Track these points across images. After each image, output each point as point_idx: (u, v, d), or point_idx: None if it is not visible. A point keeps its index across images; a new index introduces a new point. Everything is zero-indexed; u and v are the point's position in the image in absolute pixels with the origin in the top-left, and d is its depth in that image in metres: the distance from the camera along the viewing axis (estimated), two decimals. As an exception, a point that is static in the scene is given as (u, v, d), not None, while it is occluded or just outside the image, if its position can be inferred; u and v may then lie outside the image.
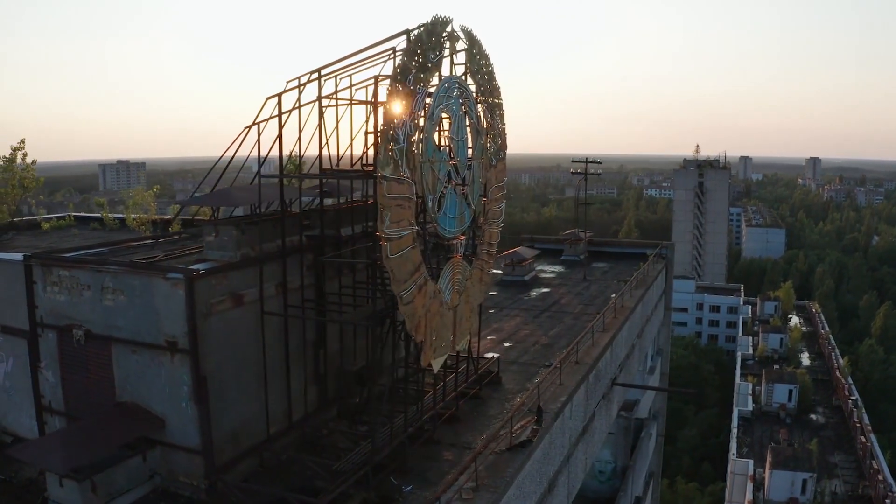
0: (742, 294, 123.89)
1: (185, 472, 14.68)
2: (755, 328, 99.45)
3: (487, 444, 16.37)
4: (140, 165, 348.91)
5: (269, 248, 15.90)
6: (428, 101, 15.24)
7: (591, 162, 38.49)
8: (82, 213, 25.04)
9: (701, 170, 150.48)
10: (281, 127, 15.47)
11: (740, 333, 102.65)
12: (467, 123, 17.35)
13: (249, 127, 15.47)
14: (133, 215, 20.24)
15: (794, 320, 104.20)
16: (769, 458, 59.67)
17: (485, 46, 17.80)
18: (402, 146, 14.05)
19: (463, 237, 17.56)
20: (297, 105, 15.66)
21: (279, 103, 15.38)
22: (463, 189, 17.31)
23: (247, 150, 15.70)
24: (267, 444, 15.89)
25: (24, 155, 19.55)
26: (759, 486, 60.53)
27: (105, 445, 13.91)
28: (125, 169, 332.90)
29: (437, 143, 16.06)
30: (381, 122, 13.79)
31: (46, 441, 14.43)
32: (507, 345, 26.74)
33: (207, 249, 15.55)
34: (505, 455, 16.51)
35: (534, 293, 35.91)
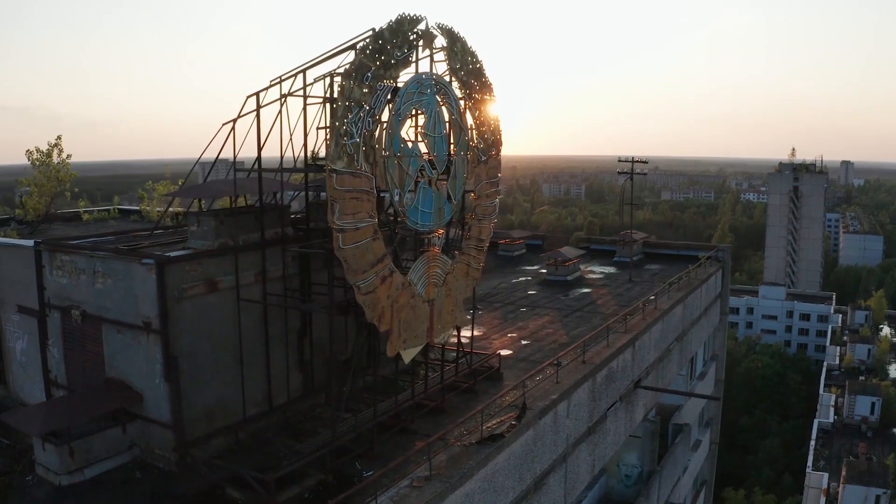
0: (833, 302, 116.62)
1: (159, 445, 15.40)
2: (844, 338, 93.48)
3: (444, 435, 16.27)
4: (239, 164, 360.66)
5: (248, 238, 16.40)
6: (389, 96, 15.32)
7: (638, 161, 37.26)
8: (126, 206, 26.65)
9: (796, 174, 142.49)
10: (259, 123, 15.94)
11: (828, 343, 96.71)
12: (447, 119, 17.29)
13: (233, 123, 16.06)
14: (158, 207, 21.29)
15: (885, 331, 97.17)
16: (843, 472, 56.24)
17: (469, 44, 17.70)
18: (356, 141, 14.19)
19: (442, 231, 17.51)
20: (281, 101, 16.05)
21: (258, 101, 15.84)
22: (443, 184, 17.27)
23: (242, 147, 16.36)
24: (243, 425, 16.40)
25: (60, 151, 21.11)
26: (832, 500, 57.14)
27: (82, 415, 14.80)
28: (224, 167, 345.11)
29: (407, 138, 16.10)
30: (331, 118, 13.98)
31: (31, 409, 15.54)
32: (524, 342, 26.37)
33: (191, 238, 16.25)
34: (473, 448, 16.34)
35: (573, 293, 35.18)
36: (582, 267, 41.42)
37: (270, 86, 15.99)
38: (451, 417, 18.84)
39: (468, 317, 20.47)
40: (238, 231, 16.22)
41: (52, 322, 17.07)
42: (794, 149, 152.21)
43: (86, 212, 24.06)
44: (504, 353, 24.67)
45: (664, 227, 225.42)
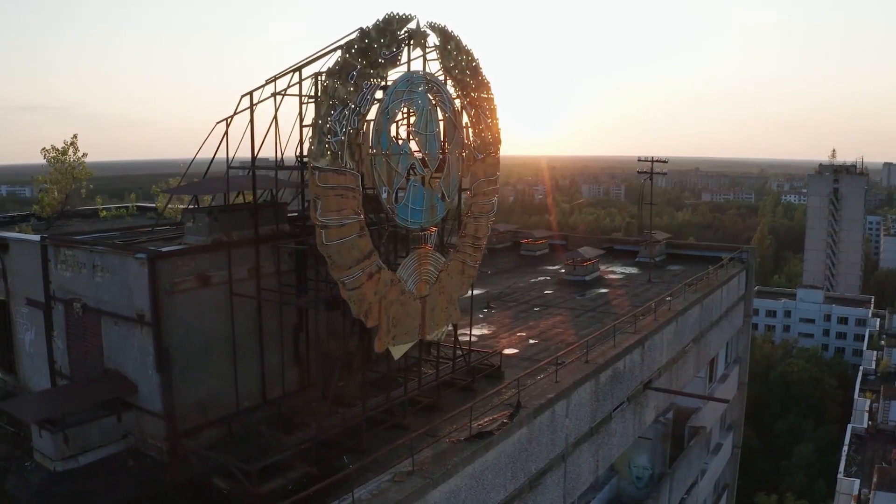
0: (872, 306, 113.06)
1: (152, 434, 15.63)
2: (881, 342, 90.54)
3: (433, 431, 16.17)
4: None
5: (242, 234, 16.53)
6: (381, 95, 15.31)
7: (658, 161, 36.60)
8: (145, 203, 27.17)
9: (836, 175, 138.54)
10: (253, 122, 16.05)
11: (865, 347, 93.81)
12: (440, 118, 17.19)
13: (227, 122, 16.20)
14: (169, 205, 21.63)
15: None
16: (875, 479, 54.52)
17: (464, 42, 17.56)
18: (339, 139, 14.19)
19: (434, 229, 17.42)
20: (275, 99, 16.14)
21: (251, 100, 15.96)
22: (437, 182, 17.17)
23: (236, 146, 16.50)
24: (236, 417, 16.53)
25: (76, 149, 21.63)
26: (863, 508, 55.45)
27: (77, 404, 15.11)
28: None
29: (396, 136, 16.06)
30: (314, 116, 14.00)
31: (28, 397, 15.93)
32: (532, 341, 26.10)
33: (186, 234, 16.47)
34: (461, 445, 16.21)
35: (589, 293, 34.73)
36: (603, 267, 40.89)
37: (265, 84, 16.09)
38: (443, 414, 18.70)
39: (469, 314, 20.34)
40: (232, 227, 16.35)
41: (56, 314, 17.46)
42: (834, 150, 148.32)
43: (104, 209, 24.62)
44: (509, 351, 24.49)
45: (703, 229, 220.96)
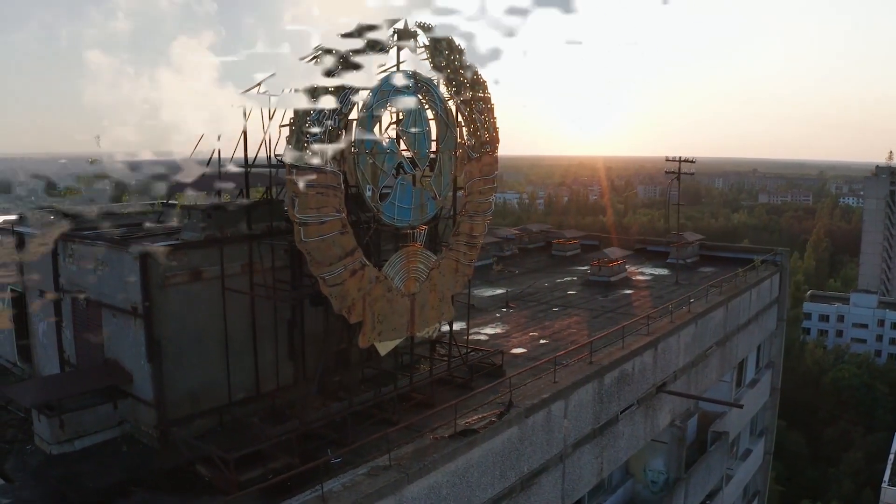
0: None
1: (145, 422, 15.93)
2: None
3: (417, 427, 16.01)
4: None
5: (236, 231, 16.68)
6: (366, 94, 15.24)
7: (685, 161, 35.52)
8: (172, 202, 27.74)
9: (893, 178, 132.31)
10: (246, 121, 16.19)
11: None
12: (430, 117, 17.00)
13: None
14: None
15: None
16: (920, 491, 51.83)
17: (456, 41, 17.33)
18: (319, 138, 14.16)
19: (425, 227, 17.24)
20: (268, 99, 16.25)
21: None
22: (427, 180, 17.00)
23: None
24: (229, 409, 16.71)
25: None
26: (907, 520, 52.81)
27: (73, 391, 15.51)
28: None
29: (385, 136, 15.96)
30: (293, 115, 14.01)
31: (28, 383, 16.44)
32: (542, 341, 25.62)
33: (183, 230, 16.74)
34: (444, 441, 16.00)
35: (613, 294, 33.95)
36: (633, 268, 39.98)
37: (259, 83, 16.19)
38: (436, 411, 18.49)
39: (467, 313, 20.09)
40: (226, 224, 16.52)
41: (65, 306, 17.98)
42: (891, 151, 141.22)
43: (129, 206, 25.29)
44: (518, 351, 24.12)
45: (759, 231, 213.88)
